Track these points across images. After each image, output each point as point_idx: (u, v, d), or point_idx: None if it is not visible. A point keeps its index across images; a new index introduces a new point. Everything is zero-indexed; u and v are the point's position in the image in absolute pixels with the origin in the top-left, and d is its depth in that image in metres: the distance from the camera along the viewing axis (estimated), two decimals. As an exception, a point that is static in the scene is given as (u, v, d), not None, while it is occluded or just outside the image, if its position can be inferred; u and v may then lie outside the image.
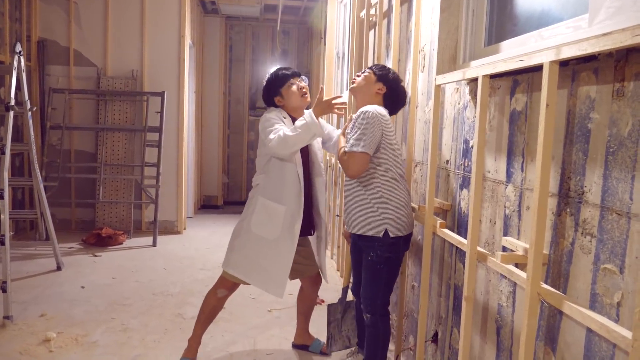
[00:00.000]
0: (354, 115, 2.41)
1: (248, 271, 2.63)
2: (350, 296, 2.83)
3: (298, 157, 2.61)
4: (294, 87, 2.68)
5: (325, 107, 2.49)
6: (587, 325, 1.31)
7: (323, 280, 2.89)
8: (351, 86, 2.56)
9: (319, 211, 2.77)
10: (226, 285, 2.70)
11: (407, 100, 2.71)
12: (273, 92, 2.71)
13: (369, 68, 2.55)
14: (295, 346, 3.06)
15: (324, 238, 2.80)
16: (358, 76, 2.54)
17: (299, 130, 2.44)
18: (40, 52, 5.60)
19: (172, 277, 4.26)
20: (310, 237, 2.84)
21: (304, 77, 2.74)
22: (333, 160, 4.87)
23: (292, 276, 2.76)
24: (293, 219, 2.59)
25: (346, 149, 2.33)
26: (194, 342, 2.77)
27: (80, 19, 5.68)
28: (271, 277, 2.60)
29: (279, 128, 2.52)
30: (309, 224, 2.76)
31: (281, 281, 2.60)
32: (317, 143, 2.77)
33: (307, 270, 2.82)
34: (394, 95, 2.49)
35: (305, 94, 2.70)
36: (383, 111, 2.40)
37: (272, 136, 2.50)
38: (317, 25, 6.71)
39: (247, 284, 2.68)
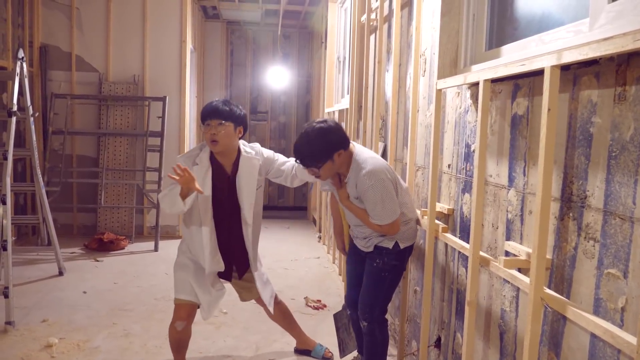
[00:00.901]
0: (354, 179, 2.31)
1: (190, 290, 2.57)
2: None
3: (207, 219, 2.45)
4: (207, 130, 2.42)
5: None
6: (591, 331, 1.30)
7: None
8: (319, 178, 2.38)
9: (248, 254, 2.63)
10: (180, 315, 2.57)
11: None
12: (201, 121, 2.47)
13: (313, 165, 2.28)
14: (297, 351, 3.05)
15: (257, 272, 2.70)
16: (315, 174, 2.34)
17: (166, 199, 2.33)
18: (42, 58, 5.62)
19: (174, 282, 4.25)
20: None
21: (224, 122, 2.40)
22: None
23: (242, 298, 2.80)
24: (207, 266, 2.51)
25: (379, 223, 2.26)
26: None
27: (82, 24, 5.70)
28: (204, 300, 2.56)
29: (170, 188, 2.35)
30: (231, 269, 2.66)
31: (209, 308, 2.56)
32: (246, 187, 2.51)
33: (250, 295, 2.77)
34: (346, 140, 2.32)
35: (214, 141, 2.39)
36: (369, 155, 2.34)
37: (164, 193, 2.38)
38: (318, 29, 6.73)
39: (197, 305, 2.60)
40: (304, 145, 2.26)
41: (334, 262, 4.91)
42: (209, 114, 2.42)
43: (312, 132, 2.27)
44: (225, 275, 2.67)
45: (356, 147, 2.39)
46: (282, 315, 2.93)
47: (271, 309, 2.80)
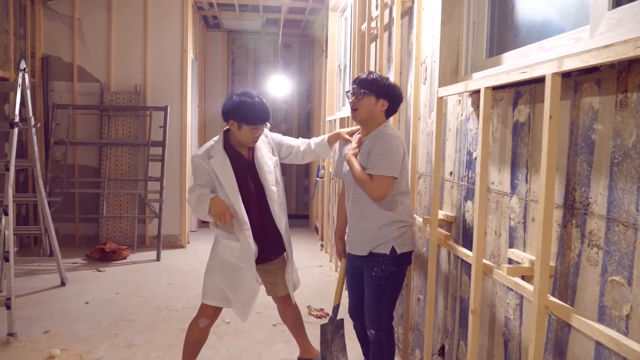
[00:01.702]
0: (366, 137, 2.38)
1: (220, 296, 2.61)
2: (342, 314, 2.79)
3: (237, 203, 2.50)
4: (253, 132, 2.53)
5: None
6: (596, 339, 1.29)
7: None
8: (353, 114, 2.41)
9: (281, 233, 2.67)
10: (207, 313, 2.62)
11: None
12: (235, 117, 2.51)
13: (360, 86, 2.36)
14: None
15: (290, 257, 2.73)
16: (355, 97, 2.37)
17: (197, 208, 2.47)
18: (44, 69, 5.65)
19: (176, 291, 4.24)
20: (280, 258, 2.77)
21: (267, 125, 2.61)
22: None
23: (267, 293, 2.81)
24: (246, 252, 2.53)
25: (372, 172, 2.25)
26: None
27: (83, 35, 5.73)
28: (238, 301, 2.60)
29: (195, 186, 2.53)
30: (269, 249, 2.68)
31: (244, 308, 2.60)
32: (266, 166, 2.61)
33: (276, 290, 2.78)
34: (394, 105, 2.41)
35: (255, 142, 2.59)
36: (399, 133, 2.40)
37: (193, 187, 2.54)
38: (319, 38, 6.76)
39: (226, 307, 2.65)
40: (370, 74, 2.39)
41: (336, 271, 4.89)
42: (262, 120, 2.54)
43: (379, 73, 2.45)
44: (261, 259, 2.65)
45: (390, 124, 2.45)
46: (294, 319, 2.92)
47: (293, 300, 2.80)
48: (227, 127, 2.59)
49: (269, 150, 2.68)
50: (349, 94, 2.44)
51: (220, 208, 2.41)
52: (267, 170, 2.61)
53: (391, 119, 2.61)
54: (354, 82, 2.42)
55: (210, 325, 2.67)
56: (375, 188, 2.24)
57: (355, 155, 2.37)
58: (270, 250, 2.69)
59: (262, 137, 2.65)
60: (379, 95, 2.34)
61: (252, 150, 2.62)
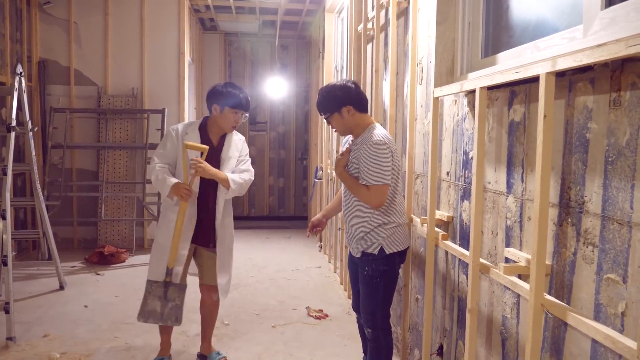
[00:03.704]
0: (352, 142, 2.45)
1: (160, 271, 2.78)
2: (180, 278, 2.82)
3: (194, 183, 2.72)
4: (234, 116, 2.78)
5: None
6: (591, 336, 1.30)
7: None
8: (335, 132, 2.54)
9: (216, 227, 2.82)
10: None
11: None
12: (219, 101, 2.76)
13: (322, 113, 2.49)
14: (199, 355, 3.08)
15: (222, 257, 2.85)
16: (330, 123, 2.49)
17: (157, 183, 2.68)
18: (41, 72, 5.65)
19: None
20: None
21: (246, 116, 2.85)
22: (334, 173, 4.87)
23: (199, 276, 2.93)
24: (187, 224, 2.73)
25: (367, 183, 2.30)
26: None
27: (80, 38, 5.73)
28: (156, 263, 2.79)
29: (157, 161, 2.74)
30: (206, 235, 2.84)
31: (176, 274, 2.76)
32: (229, 160, 2.81)
33: (204, 277, 2.91)
34: (356, 102, 2.43)
35: (235, 127, 2.83)
36: (385, 132, 2.43)
37: (154, 159, 2.75)
38: (316, 39, 6.77)
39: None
40: (318, 99, 2.49)
41: (335, 272, 4.90)
42: (244, 106, 2.80)
43: (324, 88, 2.49)
44: (200, 240, 2.84)
45: (378, 125, 2.48)
46: (210, 313, 3.02)
47: (222, 297, 2.91)
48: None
49: (237, 149, 2.86)
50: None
51: (180, 190, 2.62)
52: (229, 164, 2.80)
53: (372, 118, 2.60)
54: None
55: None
56: (372, 198, 2.31)
57: (345, 165, 2.42)
58: (206, 236, 2.83)
59: (240, 137, 2.91)
60: (337, 108, 2.42)
61: (222, 141, 2.83)
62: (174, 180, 2.65)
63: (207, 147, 2.69)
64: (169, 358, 2.97)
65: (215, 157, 2.78)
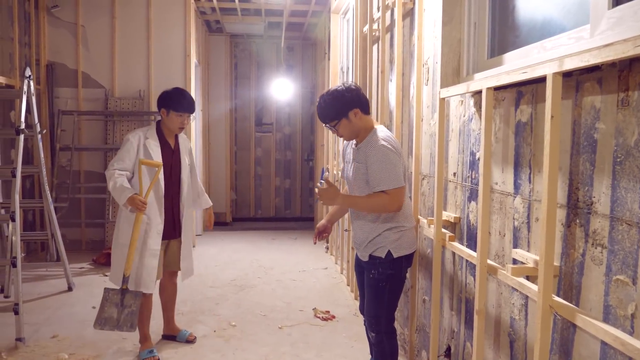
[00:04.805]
0: (356, 145, 2.40)
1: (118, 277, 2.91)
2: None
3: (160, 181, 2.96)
4: (179, 119, 2.99)
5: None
6: (601, 338, 1.29)
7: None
8: (343, 139, 2.48)
9: (181, 219, 3.11)
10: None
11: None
12: (165, 105, 2.97)
13: (328, 123, 2.38)
14: (164, 336, 3.35)
15: (186, 243, 3.16)
16: (335, 131, 2.41)
17: (115, 191, 2.84)
18: (49, 75, 5.69)
19: (182, 295, 4.25)
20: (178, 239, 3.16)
21: (193, 116, 3.17)
22: (340, 174, 4.86)
23: (165, 267, 3.14)
24: (152, 225, 2.92)
25: (384, 188, 2.23)
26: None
27: (87, 41, 5.77)
28: (142, 278, 2.91)
29: (115, 167, 2.90)
30: (173, 228, 3.08)
31: (150, 279, 2.92)
32: (184, 161, 3.10)
33: (171, 263, 3.15)
34: (361, 103, 2.37)
35: (182, 129, 3.06)
36: (389, 133, 2.39)
37: (114, 165, 2.90)
38: (321, 40, 6.77)
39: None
40: (320, 108, 2.39)
41: (342, 273, 4.89)
42: (187, 108, 3.03)
43: (327, 94, 2.38)
44: (168, 233, 3.05)
45: (381, 126, 2.45)
46: (170, 296, 3.30)
47: (185, 278, 3.20)
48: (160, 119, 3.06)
49: (186, 148, 3.17)
50: (328, 128, 2.47)
51: (135, 203, 2.78)
52: (184, 162, 3.11)
53: (375, 119, 2.61)
54: (322, 123, 2.44)
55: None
56: (392, 202, 2.25)
57: (336, 194, 2.33)
58: (171, 229, 3.07)
59: (183, 136, 3.16)
60: (344, 113, 2.33)
61: (177, 142, 3.10)
62: (130, 191, 2.79)
63: (161, 163, 2.90)
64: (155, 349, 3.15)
65: (175, 156, 3.07)
